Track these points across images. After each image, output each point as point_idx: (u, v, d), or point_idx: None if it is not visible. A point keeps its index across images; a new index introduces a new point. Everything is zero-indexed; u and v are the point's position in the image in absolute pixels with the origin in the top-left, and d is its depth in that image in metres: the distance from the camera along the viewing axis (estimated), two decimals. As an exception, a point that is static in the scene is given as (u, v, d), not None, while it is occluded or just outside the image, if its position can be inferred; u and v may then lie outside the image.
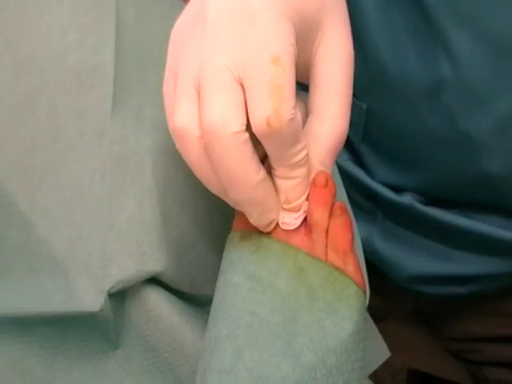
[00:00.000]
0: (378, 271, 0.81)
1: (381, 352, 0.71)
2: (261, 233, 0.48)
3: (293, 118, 0.42)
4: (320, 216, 0.48)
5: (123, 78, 0.54)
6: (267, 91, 0.41)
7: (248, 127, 0.43)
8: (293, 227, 0.48)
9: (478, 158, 0.66)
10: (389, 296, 0.88)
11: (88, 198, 0.51)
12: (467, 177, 0.69)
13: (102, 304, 0.49)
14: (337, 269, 0.48)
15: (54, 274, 0.49)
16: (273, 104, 0.41)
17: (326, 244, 0.49)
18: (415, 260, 0.79)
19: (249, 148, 0.43)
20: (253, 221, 0.47)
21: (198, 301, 0.56)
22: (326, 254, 0.48)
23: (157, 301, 0.52)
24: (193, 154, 0.45)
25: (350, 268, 0.49)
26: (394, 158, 0.75)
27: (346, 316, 0.47)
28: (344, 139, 0.48)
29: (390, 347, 0.68)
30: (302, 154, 0.45)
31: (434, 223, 0.74)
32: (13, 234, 0.49)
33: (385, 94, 0.70)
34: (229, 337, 0.46)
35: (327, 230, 0.49)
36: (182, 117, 0.44)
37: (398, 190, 0.75)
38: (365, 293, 0.49)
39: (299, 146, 0.44)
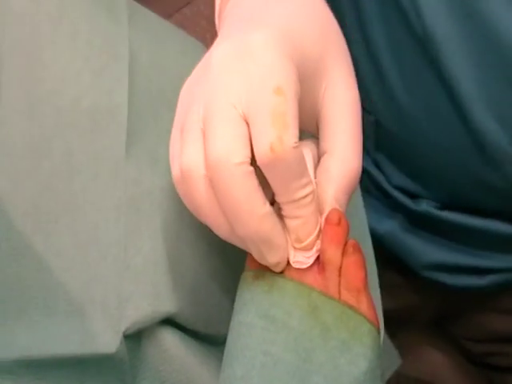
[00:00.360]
0: (400, 266, 0.80)
1: (393, 360, 0.71)
2: (274, 272, 0.48)
3: (296, 147, 0.42)
4: (333, 254, 0.48)
5: (137, 119, 0.55)
6: (270, 119, 0.42)
7: (254, 164, 0.43)
8: (305, 266, 0.48)
9: (492, 168, 0.66)
10: (410, 295, 0.87)
11: (103, 240, 0.51)
12: (478, 185, 0.69)
13: (117, 345, 0.49)
14: (350, 307, 0.48)
15: (70, 315, 0.49)
16: (276, 131, 0.42)
17: (339, 282, 0.49)
18: (436, 249, 0.79)
19: (253, 180, 0.43)
20: (262, 260, 0.47)
21: (212, 341, 0.56)
22: (340, 292, 0.48)
23: (172, 341, 0.52)
24: (199, 194, 0.45)
25: (364, 306, 0.49)
26: (407, 166, 0.75)
27: (359, 354, 0.46)
28: (358, 177, 0.48)
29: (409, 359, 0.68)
30: (308, 190, 0.45)
31: (452, 226, 0.74)
32: (29, 275, 0.49)
33: (392, 109, 0.70)
34: (244, 377, 0.46)
35: (340, 268, 0.49)
36: (188, 157, 0.44)
37: (414, 196, 0.75)
38: (378, 330, 0.49)
39: (304, 180, 0.44)
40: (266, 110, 0.42)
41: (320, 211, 0.48)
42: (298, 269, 0.48)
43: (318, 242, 0.48)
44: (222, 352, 0.52)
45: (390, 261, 0.80)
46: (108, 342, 0.49)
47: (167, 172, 0.54)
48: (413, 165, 0.75)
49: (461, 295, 0.84)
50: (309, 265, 0.48)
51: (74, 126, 0.53)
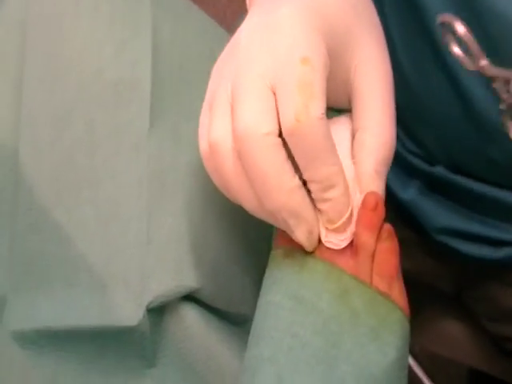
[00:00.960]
0: (417, 229, 0.80)
1: None
2: (305, 251, 0.47)
3: (322, 118, 0.41)
4: (367, 239, 0.47)
5: (159, 94, 0.54)
6: (296, 89, 0.41)
7: (283, 139, 0.42)
8: (337, 248, 0.47)
9: (488, 141, 0.65)
10: (427, 259, 0.87)
11: (125, 214, 0.50)
12: (481, 159, 0.68)
13: (140, 318, 0.48)
14: (381, 293, 0.46)
15: (91, 288, 0.48)
16: (302, 100, 0.41)
17: (372, 268, 0.48)
18: (450, 214, 0.78)
19: (281, 152, 0.42)
20: (292, 234, 0.46)
21: (234, 320, 0.56)
22: (371, 277, 0.47)
23: (194, 318, 0.51)
24: (227, 168, 0.44)
25: (395, 293, 0.47)
26: (416, 137, 0.74)
27: (389, 343, 0.45)
28: (394, 149, 0.47)
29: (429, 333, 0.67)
30: (334, 169, 0.44)
31: (466, 192, 0.73)
32: (51, 248, 0.49)
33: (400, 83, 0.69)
34: (271, 359, 0.45)
35: (373, 253, 0.48)
36: (216, 131, 0.43)
37: (428, 162, 0.75)
38: (408, 319, 0.48)
39: (331, 158, 0.43)
40: (292, 79, 0.41)
41: (360, 188, 0.47)
42: (330, 251, 0.47)
43: (353, 225, 0.47)
44: (243, 332, 0.52)
45: (408, 224, 0.79)
46: (130, 314, 0.48)
47: (190, 149, 0.54)
48: (421, 137, 0.74)
49: (479, 267, 0.84)
50: (341, 247, 0.47)
51: (96, 99, 0.52)
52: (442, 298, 0.95)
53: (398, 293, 0.48)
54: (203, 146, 0.45)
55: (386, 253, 0.48)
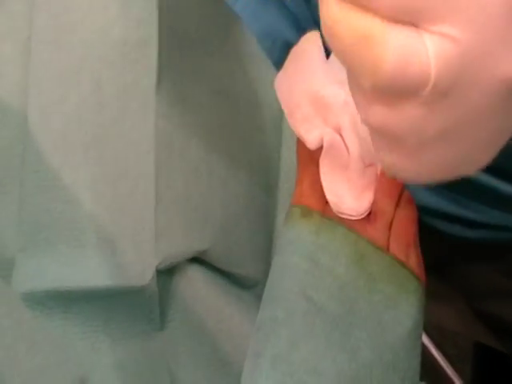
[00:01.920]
0: None
1: None
2: (322, 212, 0.47)
3: None
4: (385, 206, 0.46)
5: (165, 54, 0.53)
6: None
7: None
8: (354, 218, 0.47)
9: None
10: None
11: (133, 173, 0.49)
12: None
13: (149, 278, 0.47)
14: (398, 261, 0.46)
15: (100, 247, 0.48)
16: None
17: (389, 235, 0.47)
18: (430, 195, 0.78)
19: None
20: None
21: (243, 284, 0.55)
22: (388, 244, 0.47)
23: (204, 281, 0.51)
24: None
25: (412, 261, 0.47)
26: None
27: (405, 312, 0.45)
28: None
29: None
30: None
31: None
32: (58, 208, 0.48)
33: None
34: (285, 321, 0.44)
35: (392, 221, 0.47)
36: None
37: None
38: (424, 288, 0.47)
39: None
40: None
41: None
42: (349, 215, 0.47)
43: (371, 193, 0.47)
44: (254, 296, 0.51)
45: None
46: (140, 274, 0.47)
47: (195, 110, 0.53)
48: None
49: (455, 244, 0.84)
50: (357, 218, 0.47)
51: (103, 59, 0.51)
52: (428, 270, 0.96)
53: (415, 261, 0.47)
54: None
55: (404, 220, 0.47)
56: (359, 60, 0.29)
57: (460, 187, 0.74)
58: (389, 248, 0.47)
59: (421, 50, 0.28)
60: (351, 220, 0.47)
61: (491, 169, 0.70)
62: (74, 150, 0.49)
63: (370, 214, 0.47)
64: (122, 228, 0.48)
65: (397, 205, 0.47)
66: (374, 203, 0.47)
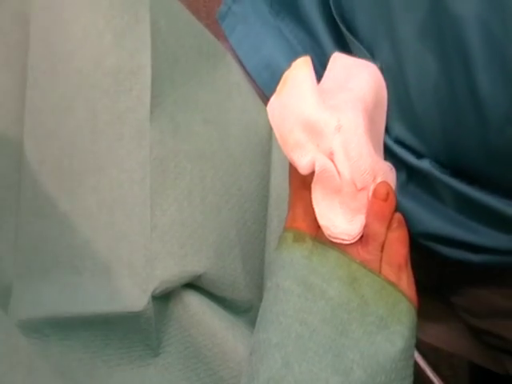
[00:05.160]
0: None
1: None
2: (314, 236, 0.48)
3: None
4: (377, 229, 0.47)
5: (158, 82, 0.54)
6: None
7: None
8: (346, 243, 0.47)
9: (493, 129, 0.64)
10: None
11: (128, 200, 0.50)
12: (481, 148, 0.67)
13: (145, 304, 0.48)
14: (390, 283, 0.46)
15: (96, 274, 0.48)
16: None
17: (381, 257, 0.47)
18: (434, 219, 0.78)
19: None
20: None
21: (237, 308, 0.56)
22: (380, 267, 0.47)
23: (199, 305, 0.51)
24: None
25: (404, 283, 0.47)
26: (408, 119, 0.74)
27: (397, 332, 0.45)
28: None
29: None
30: None
31: (453, 193, 0.73)
32: (54, 235, 0.48)
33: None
34: (279, 345, 0.45)
35: (383, 243, 0.48)
36: None
37: (416, 153, 0.74)
38: (416, 309, 0.48)
39: None
40: None
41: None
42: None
43: (363, 216, 0.47)
44: (247, 321, 0.52)
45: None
46: (135, 300, 0.48)
47: (188, 137, 0.54)
48: (414, 118, 0.73)
49: (456, 266, 0.84)
50: (349, 243, 0.47)
51: (97, 87, 0.52)
52: (425, 291, 0.96)
53: (407, 282, 0.48)
54: None
55: (396, 242, 0.48)
56: None
57: (470, 209, 0.74)
58: (381, 270, 0.47)
59: None
60: (344, 244, 0.47)
61: (501, 191, 0.71)
62: (70, 178, 0.50)
63: (362, 236, 0.47)
64: (118, 254, 0.49)
65: (388, 227, 0.48)
66: (365, 226, 0.47)
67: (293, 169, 0.49)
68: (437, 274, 0.91)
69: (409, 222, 0.79)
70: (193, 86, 0.57)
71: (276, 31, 0.73)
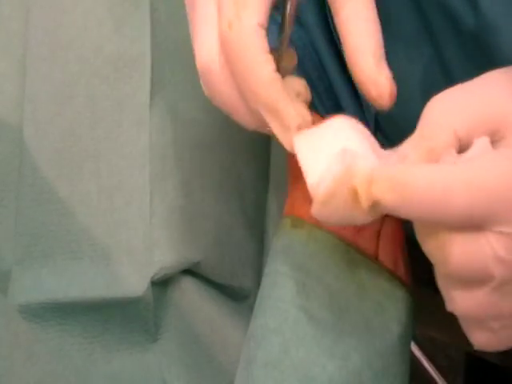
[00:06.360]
0: None
1: None
2: (313, 222, 0.47)
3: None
4: None
5: (157, 69, 0.54)
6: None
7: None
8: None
9: None
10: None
11: (128, 186, 0.50)
12: None
13: (144, 289, 0.48)
14: (387, 269, 0.47)
15: (95, 260, 0.48)
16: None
17: (378, 244, 0.48)
18: None
19: (261, 40, 0.40)
20: (277, 133, 0.43)
21: (236, 295, 0.56)
22: (377, 253, 0.48)
23: (198, 292, 0.52)
24: (219, 84, 0.43)
25: (400, 269, 0.48)
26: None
27: (394, 318, 0.46)
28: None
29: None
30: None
31: None
32: (54, 220, 0.49)
33: None
34: (276, 330, 0.45)
35: (380, 229, 0.48)
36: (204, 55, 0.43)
37: None
38: (413, 296, 0.48)
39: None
40: None
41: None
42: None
43: None
44: (246, 308, 0.52)
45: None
46: (134, 285, 0.48)
47: (187, 125, 0.54)
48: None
49: None
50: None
51: (97, 74, 0.52)
52: (421, 282, 0.96)
53: (403, 268, 0.48)
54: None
55: (392, 229, 0.48)
56: (432, 254, 0.36)
57: None
58: (377, 256, 0.47)
59: (483, 251, 0.33)
60: (341, 228, 0.47)
61: None
62: (70, 164, 0.50)
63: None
64: (117, 240, 0.49)
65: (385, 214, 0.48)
66: None
67: (291, 156, 0.50)
68: (429, 266, 0.92)
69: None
70: (193, 72, 0.57)
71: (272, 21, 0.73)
